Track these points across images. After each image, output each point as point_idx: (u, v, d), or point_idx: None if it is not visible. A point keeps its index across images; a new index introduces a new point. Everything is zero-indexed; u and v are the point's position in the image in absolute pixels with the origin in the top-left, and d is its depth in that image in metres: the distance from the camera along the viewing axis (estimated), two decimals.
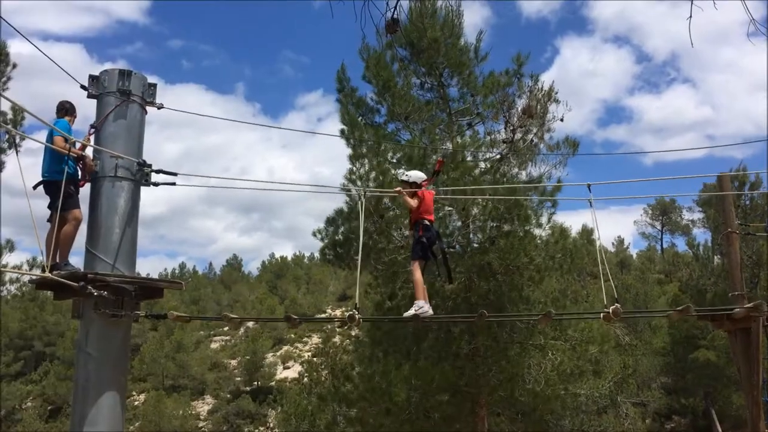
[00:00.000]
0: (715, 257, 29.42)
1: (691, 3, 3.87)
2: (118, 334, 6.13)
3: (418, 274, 7.93)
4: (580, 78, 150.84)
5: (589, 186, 7.80)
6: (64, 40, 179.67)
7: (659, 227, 77.42)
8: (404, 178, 8.50)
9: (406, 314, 7.84)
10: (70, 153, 6.40)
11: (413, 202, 8.06)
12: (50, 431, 45.11)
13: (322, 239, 15.38)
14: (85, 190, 6.62)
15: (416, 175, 8.42)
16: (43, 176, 6.66)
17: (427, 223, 8.03)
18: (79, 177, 6.64)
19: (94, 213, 6.37)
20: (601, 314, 7.37)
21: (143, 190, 6.65)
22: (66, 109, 6.96)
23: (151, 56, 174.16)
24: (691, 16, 3.70)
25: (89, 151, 6.59)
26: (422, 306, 7.71)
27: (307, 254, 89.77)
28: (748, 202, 27.11)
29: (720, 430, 33.38)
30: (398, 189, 8.44)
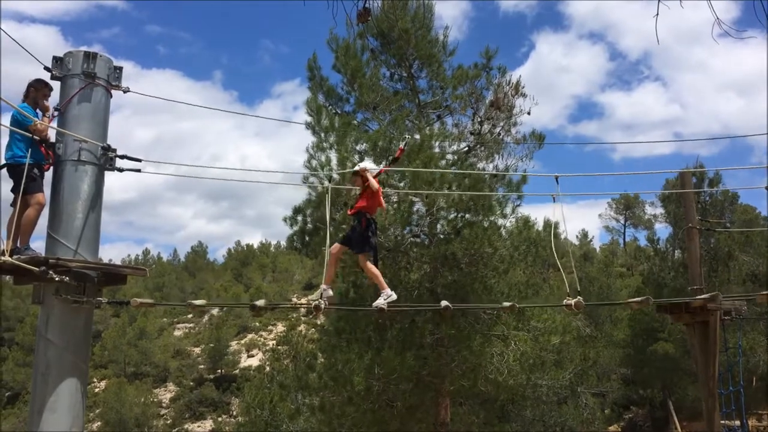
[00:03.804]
0: (675, 252, 29.94)
1: (658, 1, 3.94)
2: (79, 320, 6.04)
3: (371, 266, 8.09)
4: (555, 73, 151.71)
5: (556, 178, 7.77)
6: (39, 22, 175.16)
7: (623, 221, 78.74)
8: (357, 168, 8.47)
9: (374, 304, 7.89)
10: (35, 135, 6.29)
11: (377, 184, 8.11)
12: (8, 417, 44.43)
13: (291, 226, 15.36)
14: (49, 174, 6.51)
15: (366, 165, 8.42)
16: (6, 159, 6.53)
17: (369, 216, 8.09)
18: (44, 161, 6.53)
19: (56, 197, 6.24)
20: (564, 304, 7.46)
21: (113, 175, 6.57)
22: (28, 90, 6.72)
23: (128, 41, 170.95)
24: (657, 14, 3.77)
25: (52, 134, 6.48)
26: (390, 295, 7.85)
27: (273, 242, 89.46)
28: (708, 199, 27.70)
29: (676, 420, 34.13)
30: (363, 168, 8.35)
